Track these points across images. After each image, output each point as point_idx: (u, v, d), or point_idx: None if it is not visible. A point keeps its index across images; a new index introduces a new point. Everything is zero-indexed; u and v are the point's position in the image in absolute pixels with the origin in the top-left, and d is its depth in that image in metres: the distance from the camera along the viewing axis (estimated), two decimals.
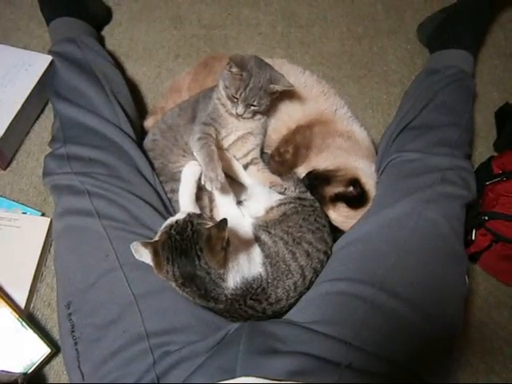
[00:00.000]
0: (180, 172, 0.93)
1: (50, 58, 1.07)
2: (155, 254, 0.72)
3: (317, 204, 0.92)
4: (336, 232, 0.93)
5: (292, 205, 0.90)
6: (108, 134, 0.91)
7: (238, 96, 0.87)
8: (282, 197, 0.92)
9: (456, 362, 0.92)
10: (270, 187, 0.93)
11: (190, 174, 0.88)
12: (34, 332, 0.83)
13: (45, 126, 1.12)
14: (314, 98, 1.02)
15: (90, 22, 1.18)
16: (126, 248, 0.77)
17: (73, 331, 0.74)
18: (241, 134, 0.94)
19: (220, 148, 0.89)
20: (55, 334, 0.88)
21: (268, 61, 0.95)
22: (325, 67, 1.32)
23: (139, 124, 1.09)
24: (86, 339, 0.73)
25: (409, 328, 0.73)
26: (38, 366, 0.82)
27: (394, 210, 0.85)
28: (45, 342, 0.83)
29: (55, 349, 0.85)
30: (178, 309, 0.74)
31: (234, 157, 0.97)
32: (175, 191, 0.91)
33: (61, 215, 0.83)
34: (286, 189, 0.92)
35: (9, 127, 1.00)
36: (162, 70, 1.27)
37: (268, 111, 0.97)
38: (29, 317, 0.89)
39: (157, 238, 0.74)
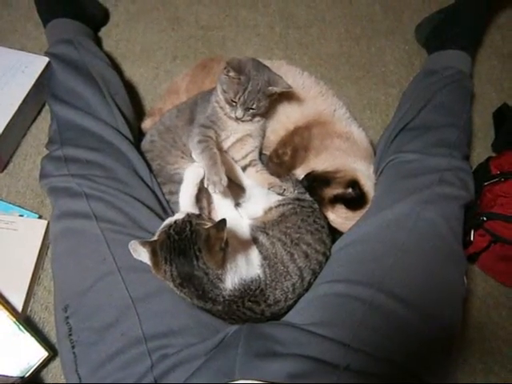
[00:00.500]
0: (178, 174, 0.93)
1: (46, 59, 1.06)
2: (153, 254, 0.71)
3: (315, 205, 0.92)
4: (335, 233, 0.93)
5: (291, 206, 0.90)
6: (105, 135, 0.91)
7: (236, 100, 0.87)
8: (280, 198, 0.92)
9: (455, 362, 0.92)
10: (269, 188, 0.93)
11: (192, 175, 0.88)
12: (32, 335, 0.82)
13: (42, 128, 1.11)
14: (313, 99, 1.02)
15: (86, 23, 1.18)
16: (124, 251, 0.77)
17: (70, 334, 0.73)
18: (240, 137, 0.94)
19: (219, 150, 0.89)
20: (52, 337, 0.88)
21: (266, 62, 0.94)
22: (323, 68, 1.32)
23: (137, 126, 1.08)
24: (84, 342, 0.72)
25: (407, 329, 0.73)
26: (35, 369, 0.82)
27: (392, 211, 0.85)
28: (42, 345, 0.82)
29: (53, 352, 0.84)
30: (175, 311, 0.74)
31: (233, 159, 0.97)
32: (173, 193, 0.91)
33: (58, 218, 0.83)
34: (284, 190, 0.92)
35: (5, 129, 1.00)
36: (160, 71, 1.26)
37: (267, 113, 0.97)
38: (26, 320, 0.88)
39: (155, 238, 0.74)
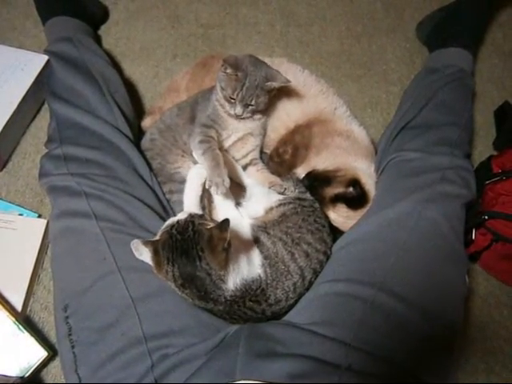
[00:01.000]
0: (178, 173, 0.92)
1: (46, 57, 1.06)
2: (155, 254, 0.71)
3: (316, 204, 0.92)
4: (336, 232, 0.92)
5: (291, 205, 0.89)
6: (105, 134, 0.91)
7: (234, 97, 0.87)
8: (281, 197, 0.92)
9: (456, 361, 0.92)
10: (270, 187, 0.92)
11: (196, 175, 0.87)
12: (31, 335, 0.82)
13: (41, 127, 1.11)
14: (313, 98, 1.02)
15: (86, 21, 1.18)
16: (124, 250, 0.76)
17: (70, 334, 0.73)
18: (241, 135, 0.94)
19: (220, 149, 0.89)
20: (52, 337, 0.87)
21: (267, 60, 0.94)
22: (324, 66, 1.31)
23: (137, 124, 1.08)
24: (84, 342, 0.72)
25: (409, 328, 0.73)
26: (35, 369, 0.81)
27: (393, 210, 0.84)
28: (42, 345, 0.82)
29: (52, 352, 0.84)
30: (176, 311, 0.74)
31: (233, 158, 0.96)
32: (173, 192, 0.91)
33: (57, 217, 0.83)
34: (285, 189, 0.92)
35: (4, 128, 0.99)
36: (160, 69, 1.26)
37: (267, 111, 0.97)
38: (25, 320, 0.88)
39: (157, 238, 0.73)
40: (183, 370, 0.67)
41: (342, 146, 0.98)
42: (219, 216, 0.87)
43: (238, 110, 0.88)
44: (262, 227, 0.85)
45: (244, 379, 0.63)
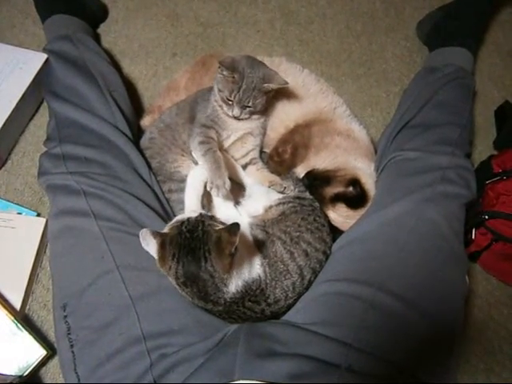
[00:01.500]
0: (178, 172, 0.92)
1: (45, 56, 1.05)
2: (162, 247, 0.70)
3: (316, 204, 0.91)
4: (335, 232, 0.92)
5: (291, 204, 0.89)
6: (104, 133, 0.90)
7: (232, 98, 0.86)
8: (280, 196, 0.91)
9: (455, 361, 0.92)
10: (270, 186, 0.92)
11: (197, 176, 0.87)
12: (30, 334, 0.82)
13: (40, 125, 1.10)
14: (313, 97, 1.02)
15: (85, 19, 1.17)
16: (123, 249, 0.76)
17: (69, 333, 0.73)
18: (240, 135, 0.94)
19: (219, 149, 0.89)
20: (51, 336, 0.87)
21: (266, 59, 0.94)
22: (323, 65, 1.31)
23: (136, 123, 1.08)
24: (82, 342, 0.72)
25: (408, 328, 0.72)
26: (33, 368, 0.81)
27: (393, 210, 0.84)
28: (40, 344, 0.82)
29: (51, 351, 0.84)
30: (175, 310, 0.74)
31: (233, 157, 0.96)
32: (173, 191, 0.91)
33: (56, 215, 0.82)
34: (285, 188, 0.92)
35: (3, 126, 0.99)
36: (159, 68, 1.25)
37: (266, 110, 0.96)
38: (24, 319, 0.88)
39: (166, 231, 0.72)
40: (182, 370, 0.67)
41: (341, 145, 0.97)
42: (217, 214, 0.87)
43: (236, 111, 0.87)
44: (261, 226, 0.84)
45: (243, 379, 0.62)
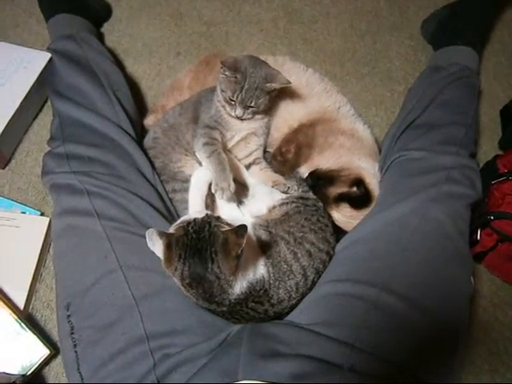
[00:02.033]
0: (182, 172, 0.92)
1: (48, 55, 1.06)
2: (168, 248, 0.69)
3: (319, 204, 0.91)
4: (339, 232, 0.92)
5: (294, 204, 0.89)
6: (107, 132, 0.90)
7: (234, 98, 0.86)
8: (284, 196, 0.91)
9: (459, 362, 0.91)
10: (273, 186, 0.92)
11: (201, 177, 0.87)
12: (33, 333, 0.82)
13: (44, 125, 1.10)
14: (317, 96, 1.01)
15: (89, 18, 1.18)
16: (126, 248, 0.76)
17: (72, 333, 0.73)
18: (244, 135, 0.93)
19: (223, 149, 0.89)
20: (54, 335, 0.87)
21: (270, 58, 0.93)
22: (327, 64, 1.31)
23: (139, 122, 1.08)
24: (86, 341, 0.71)
25: (412, 329, 0.72)
26: (37, 367, 0.81)
27: (397, 210, 0.84)
28: (44, 343, 0.82)
29: (54, 350, 0.84)
30: (178, 310, 0.73)
31: (236, 157, 0.96)
32: (176, 191, 0.91)
33: (60, 215, 0.82)
34: (288, 188, 0.91)
35: (7, 125, 0.99)
36: (163, 67, 1.25)
37: (270, 110, 0.96)
38: (28, 318, 0.88)
39: (172, 231, 0.72)
40: (185, 370, 0.67)
41: (345, 145, 0.97)
42: (220, 215, 0.87)
43: (239, 111, 0.87)
44: (265, 226, 0.84)
45: (246, 379, 0.62)
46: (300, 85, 1.00)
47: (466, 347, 0.93)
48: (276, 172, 0.96)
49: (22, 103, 1.02)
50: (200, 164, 0.92)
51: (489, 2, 1.24)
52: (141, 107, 1.14)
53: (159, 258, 0.71)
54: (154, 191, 0.88)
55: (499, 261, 0.99)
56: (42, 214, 0.99)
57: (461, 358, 0.92)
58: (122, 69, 1.14)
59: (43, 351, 0.81)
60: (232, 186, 0.82)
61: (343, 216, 0.91)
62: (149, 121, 1.10)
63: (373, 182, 0.92)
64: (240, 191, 0.93)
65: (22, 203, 1.00)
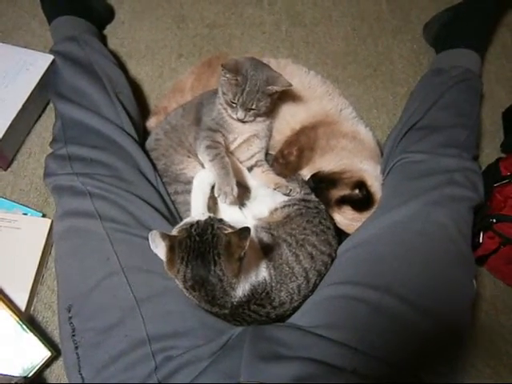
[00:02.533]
0: (184, 174, 0.92)
1: (51, 57, 1.06)
2: (170, 250, 0.69)
3: (321, 206, 0.91)
4: (341, 235, 0.92)
5: (296, 207, 0.89)
6: (110, 134, 0.90)
7: (235, 101, 0.86)
8: (286, 198, 0.91)
9: (461, 364, 0.91)
10: (275, 189, 0.92)
11: (204, 179, 0.87)
12: (35, 335, 0.82)
13: (46, 126, 1.11)
14: (319, 99, 1.01)
15: (92, 20, 1.18)
16: (128, 250, 0.76)
17: (73, 335, 0.73)
18: (246, 137, 0.93)
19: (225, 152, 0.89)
20: (56, 337, 0.87)
21: (272, 61, 0.93)
22: (329, 67, 1.31)
23: (142, 124, 1.08)
24: (87, 343, 0.71)
25: (414, 331, 0.72)
26: (38, 369, 0.81)
27: (399, 213, 0.83)
28: (45, 345, 0.82)
29: (56, 352, 0.84)
30: (180, 313, 0.73)
31: (239, 159, 0.96)
32: (179, 193, 0.91)
33: (62, 217, 0.82)
34: (290, 190, 0.91)
35: (10, 127, 0.99)
36: (165, 69, 1.26)
37: (272, 112, 0.96)
38: (29, 320, 0.88)
39: (175, 233, 0.72)
40: (187, 373, 0.67)
41: (347, 147, 0.97)
42: (222, 217, 0.87)
43: (240, 114, 0.87)
44: (266, 228, 0.84)
45: (248, 382, 0.62)
46: (302, 87, 1.00)
47: (467, 350, 0.93)
48: (278, 174, 0.96)
49: (24, 105, 1.02)
50: (202, 166, 0.92)
51: (491, 5, 1.23)
52: (143, 109, 1.14)
53: (161, 260, 0.71)
54: (156, 193, 0.88)
55: (502, 264, 0.98)
56: (44, 216, 0.99)
57: (462, 360, 0.91)
58: (124, 71, 1.14)
59: (44, 353, 0.81)
60: (235, 191, 0.82)
61: (345, 218, 0.91)
62: (151, 123, 1.10)
63: (375, 184, 0.92)
64: (242, 193, 0.93)
65: (23, 205, 1.00)
